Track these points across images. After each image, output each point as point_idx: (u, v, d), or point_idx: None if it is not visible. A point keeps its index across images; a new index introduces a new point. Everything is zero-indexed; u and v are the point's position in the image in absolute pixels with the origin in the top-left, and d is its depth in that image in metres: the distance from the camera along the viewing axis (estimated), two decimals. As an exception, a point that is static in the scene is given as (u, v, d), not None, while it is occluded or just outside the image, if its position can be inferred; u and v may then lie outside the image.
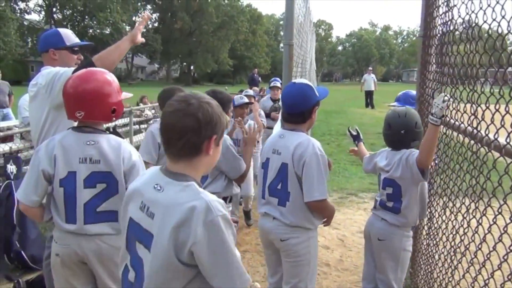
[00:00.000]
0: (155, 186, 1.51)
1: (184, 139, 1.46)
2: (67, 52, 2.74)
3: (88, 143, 2.19)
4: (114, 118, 2.27)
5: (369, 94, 20.93)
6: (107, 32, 46.26)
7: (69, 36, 2.77)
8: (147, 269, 1.47)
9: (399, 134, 2.82)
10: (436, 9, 2.99)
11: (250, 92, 6.82)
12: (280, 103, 6.38)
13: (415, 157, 2.67)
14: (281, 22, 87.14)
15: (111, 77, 2.27)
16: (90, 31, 47.20)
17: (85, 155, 2.18)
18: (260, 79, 21.97)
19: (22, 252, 3.97)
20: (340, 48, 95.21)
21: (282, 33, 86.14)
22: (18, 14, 44.90)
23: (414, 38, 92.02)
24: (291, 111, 2.68)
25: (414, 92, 3.72)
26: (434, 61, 3.20)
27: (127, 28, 47.15)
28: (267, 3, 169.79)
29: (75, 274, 2.29)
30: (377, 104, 21.03)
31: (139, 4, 58.05)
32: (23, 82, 37.19)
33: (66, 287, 2.31)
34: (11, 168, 4.07)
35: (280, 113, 3.19)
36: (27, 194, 2.22)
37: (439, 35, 2.98)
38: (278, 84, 7.18)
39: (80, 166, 2.17)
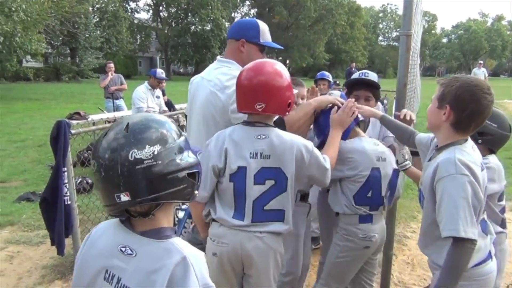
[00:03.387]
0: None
1: None
2: (257, 49, 2.54)
3: (258, 137, 2.09)
4: (287, 112, 2.17)
5: (479, 90, 19.25)
6: (208, 28, 48.09)
7: (265, 33, 2.57)
8: None
9: None
10: None
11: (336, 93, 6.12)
12: None
13: None
14: (380, 15, 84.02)
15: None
16: (192, 27, 49.40)
17: (256, 149, 2.08)
18: (357, 73, 21.38)
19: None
20: (444, 40, 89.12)
21: (380, 26, 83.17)
22: (129, 13, 48.44)
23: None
24: None
25: None
26: None
27: (227, 24, 48.59)
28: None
29: (226, 277, 2.18)
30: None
31: (238, 0, 59.52)
32: (132, 76, 40.24)
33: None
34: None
35: None
36: None
37: None
38: (325, 78, 6.42)
39: (251, 161, 2.08)
